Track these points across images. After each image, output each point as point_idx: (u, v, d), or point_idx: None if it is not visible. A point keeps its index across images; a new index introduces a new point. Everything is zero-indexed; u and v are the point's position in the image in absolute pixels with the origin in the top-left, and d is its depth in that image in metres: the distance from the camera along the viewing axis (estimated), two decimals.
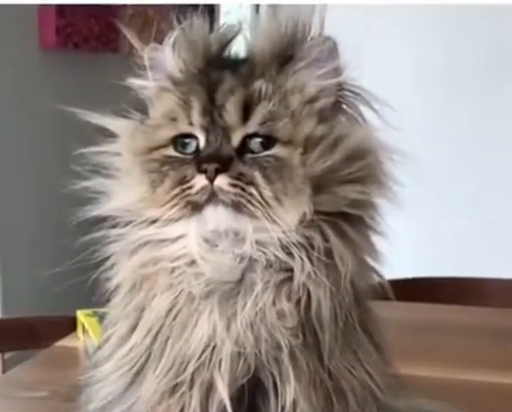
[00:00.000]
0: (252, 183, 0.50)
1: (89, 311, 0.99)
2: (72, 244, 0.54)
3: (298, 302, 0.50)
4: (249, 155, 0.51)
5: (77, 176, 0.55)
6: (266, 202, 0.50)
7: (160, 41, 0.56)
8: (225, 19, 0.53)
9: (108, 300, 0.57)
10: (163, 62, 0.55)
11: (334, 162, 0.51)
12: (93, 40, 2.07)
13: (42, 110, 1.91)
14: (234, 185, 0.50)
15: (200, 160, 0.51)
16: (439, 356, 0.94)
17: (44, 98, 1.88)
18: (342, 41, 0.54)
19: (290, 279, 0.50)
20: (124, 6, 2.18)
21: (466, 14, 2.27)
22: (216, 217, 0.50)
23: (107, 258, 0.55)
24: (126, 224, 0.54)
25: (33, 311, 1.26)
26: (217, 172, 0.50)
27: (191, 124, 0.52)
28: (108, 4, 2.08)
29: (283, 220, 0.50)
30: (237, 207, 0.50)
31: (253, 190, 0.50)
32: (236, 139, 0.52)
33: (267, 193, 0.50)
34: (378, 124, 0.54)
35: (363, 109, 0.54)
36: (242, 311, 0.50)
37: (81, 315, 0.99)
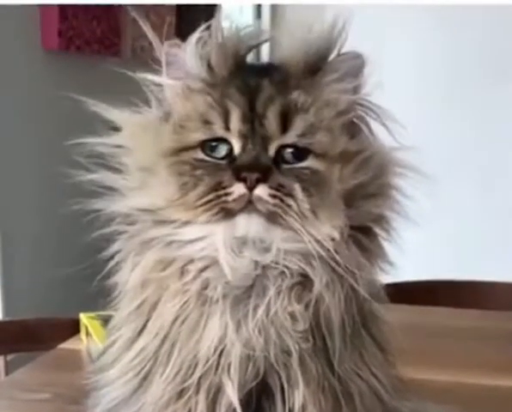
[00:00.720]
0: (290, 194, 0.50)
1: (92, 313, 0.99)
2: (76, 245, 0.54)
3: (308, 305, 0.50)
4: (285, 166, 0.51)
5: (81, 172, 0.54)
6: (303, 215, 0.50)
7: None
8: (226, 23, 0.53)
9: (113, 303, 0.57)
10: (183, 59, 0.54)
11: (365, 178, 0.52)
12: (95, 43, 2.07)
13: (44, 111, 1.91)
14: (274, 196, 0.50)
15: (239, 168, 0.50)
16: (442, 359, 0.93)
17: (46, 100, 1.88)
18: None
19: (301, 283, 0.51)
20: (127, 10, 2.18)
21: (465, 15, 2.28)
22: (248, 225, 0.50)
23: (113, 258, 0.54)
24: (135, 223, 0.53)
25: (36, 313, 1.26)
26: (257, 181, 0.50)
27: (227, 129, 0.52)
28: (111, 7, 2.08)
29: (320, 232, 0.50)
30: (272, 217, 0.50)
31: (292, 202, 0.50)
32: (273, 149, 0.52)
33: (305, 206, 0.50)
34: (388, 139, 0.55)
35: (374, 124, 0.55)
36: (254, 314, 0.50)
37: (84, 318, 0.99)
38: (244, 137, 0.51)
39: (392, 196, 0.54)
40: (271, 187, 0.50)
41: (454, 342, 1.02)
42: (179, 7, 2.32)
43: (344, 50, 0.54)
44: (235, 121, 0.52)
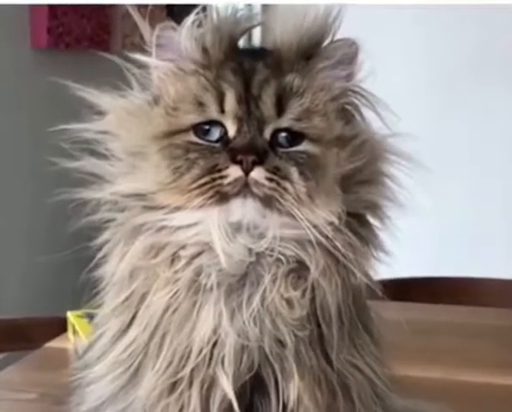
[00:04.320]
0: (287, 178, 0.50)
1: (80, 312, 0.97)
2: (67, 236, 0.52)
3: (304, 292, 0.50)
4: (281, 149, 0.51)
5: (70, 161, 0.53)
6: (300, 199, 0.49)
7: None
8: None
9: (100, 295, 0.55)
10: (177, 42, 0.53)
11: (360, 164, 0.52)
12: (85, 40, 2.06)
13: (33, 109, 1.90)
14: (270, 179, 0.49)
15: (235, 151, 0.49)
16: (435, 356, 0.93)
17: (35, 97, 1.87)
18: None
19: (297, 270, 0.50)
20: (116, 6, 2.17)
21: (454, 17, 2.28)
22: (244, 209, 0.49)
23: (101, 248, 0.53)
24: (123, 210, 0.52)
25: (24, 311, 1.24)
26: (254, 164, 0.49)
27: (222, 111, 0.51)
28: (100, 5, 2.07)
29: (317, 217, 0.50)
30: (267, 201, 0.49)
31: (288, 186, 0.49)
32: (268, 132, 0.51)
33: (302, 189, 0.50)
34: (380, 127, 0.54)
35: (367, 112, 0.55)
36: (249, 302, 0.49)
37: (71, 316, 0.98)
38: (239, 120, 0.51)
39: (385, 183, 0.53)
40: (267, 170, 0.49)
41: (445, 338, 1.01)
42: (170, 9, 2.31)
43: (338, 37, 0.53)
44: (231, 103, 0.51)
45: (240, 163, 0.49)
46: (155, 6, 2.33)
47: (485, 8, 2.18)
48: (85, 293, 0.56)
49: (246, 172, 0.49)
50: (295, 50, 0.52)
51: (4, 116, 1.82)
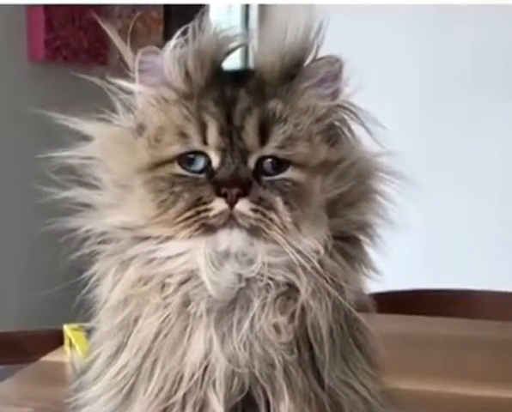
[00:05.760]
0: (272, 208, 0.50)
1: (76, 325, 0.98)
2: (63, 260, 0.53)
3: (293, 315, 0.50)
4: (265, 178, 0.51)
5: (65, 189, 0.54)
6: (286, 228, 0.50)
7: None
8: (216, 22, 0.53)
9: (94, 319, 0.56)
10: (160, 67, 0.53)
11: (347, 187, 0.52)
12: (82, 53, 2.07)
13: (30, 123, 1.90)
14: (255, 210, 0.49)
15: (219, 183, 0.50)
16: (429, 369, 0.93)
17: (32, 111, 1.87)
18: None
19: (286, 293, 0.50)
20: (114, 19, 2.18)
21: (449, 25, 2.28)
22: (230, 240, 0.50)
23: (94, 275, 0.54)
24: (111, 241, 0.53)
25: (20, 325, 1.24)
26: (238, 196, 0.49)
27: (205, 142, 0.51)
28: (97, 14, 2.08)
29: (304, 245, 0.50)
30: (254, 231, 0.50)
31: (274, 216, 0.50)
32: (252, 161, 0.51)
33: (287, 219, 0.50)
34: (369, 142, 0.54)
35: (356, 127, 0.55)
36: (238, 327, 0.49)
37: (67, 329, 0.98)
38: (222, 151, 0.51)
39: (375, 201, 0.54)
40: (252, 201, 0.49)
41: (439, 351, 1.02)
42: (167, 17, 2.31)
43: (324, 53, 0.53)
44: (213, 135, 0.51)
45: (224, 196, 0.49)
46: (153, 7, 2.34)
47: (482, 11, 2.19)
48: (81, 311, 0.56)
49: (231, 205, 0.49)
50: (278, 71, 0.52)
51: (1, 129, 1.82)
